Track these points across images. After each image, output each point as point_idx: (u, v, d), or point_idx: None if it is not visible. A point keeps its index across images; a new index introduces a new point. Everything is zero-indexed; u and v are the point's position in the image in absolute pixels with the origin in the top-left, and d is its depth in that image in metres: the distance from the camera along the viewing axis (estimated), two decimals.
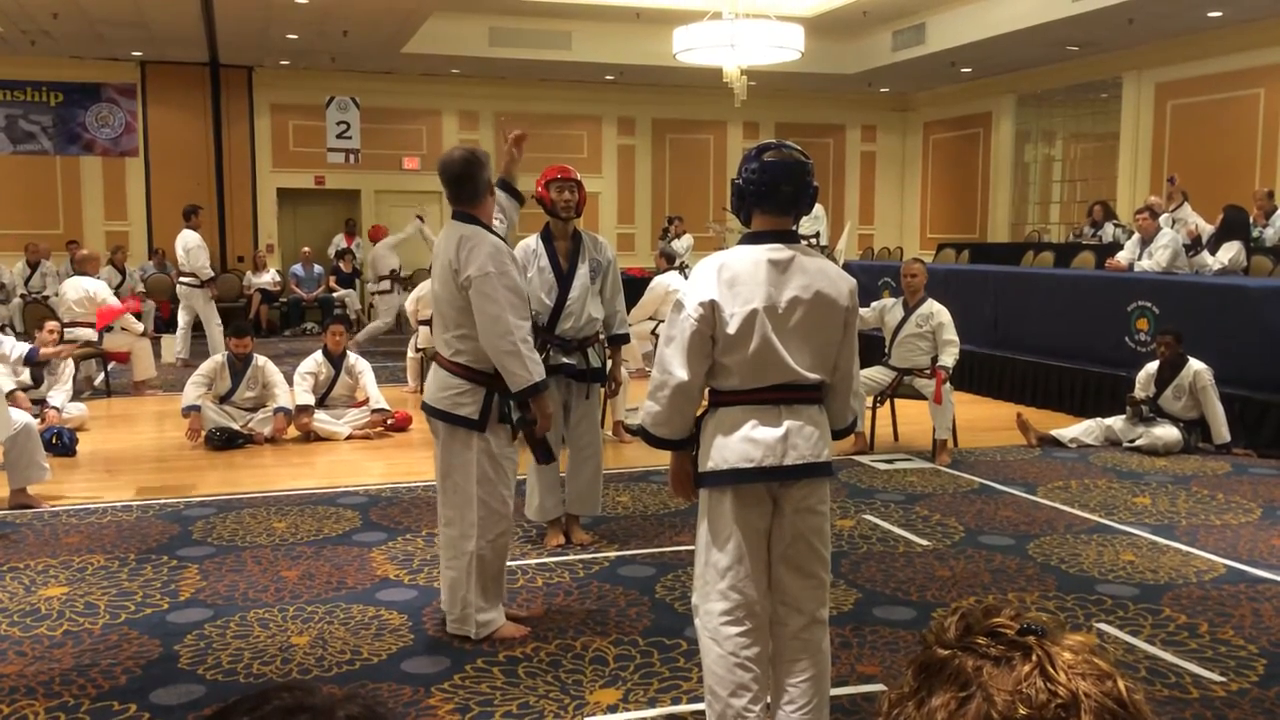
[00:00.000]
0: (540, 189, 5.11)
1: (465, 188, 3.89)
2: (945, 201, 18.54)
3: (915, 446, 7.49)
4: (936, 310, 7.30)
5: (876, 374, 7.42)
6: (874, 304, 7.60)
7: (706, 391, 3.07)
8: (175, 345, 11.76)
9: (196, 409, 7.55)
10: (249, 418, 7.71)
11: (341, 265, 15.42)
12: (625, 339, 5.40)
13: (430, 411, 3.96)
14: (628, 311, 5.60)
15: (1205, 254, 9.65)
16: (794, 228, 3.07)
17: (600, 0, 13.71)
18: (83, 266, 10.15)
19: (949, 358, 7.15)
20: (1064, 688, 0.79)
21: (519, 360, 3.77)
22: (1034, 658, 0.81)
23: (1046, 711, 0.79)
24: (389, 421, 8.07)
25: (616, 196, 18.08)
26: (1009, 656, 0.82)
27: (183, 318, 11.68)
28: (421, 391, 10.46)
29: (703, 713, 3.17)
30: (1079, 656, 0.82)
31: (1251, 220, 10.33)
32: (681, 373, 2.94)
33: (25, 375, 7.64)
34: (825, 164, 18.47)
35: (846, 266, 9.48)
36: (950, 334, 7.22)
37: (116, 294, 10.79)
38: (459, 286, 3.78)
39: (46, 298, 12.01)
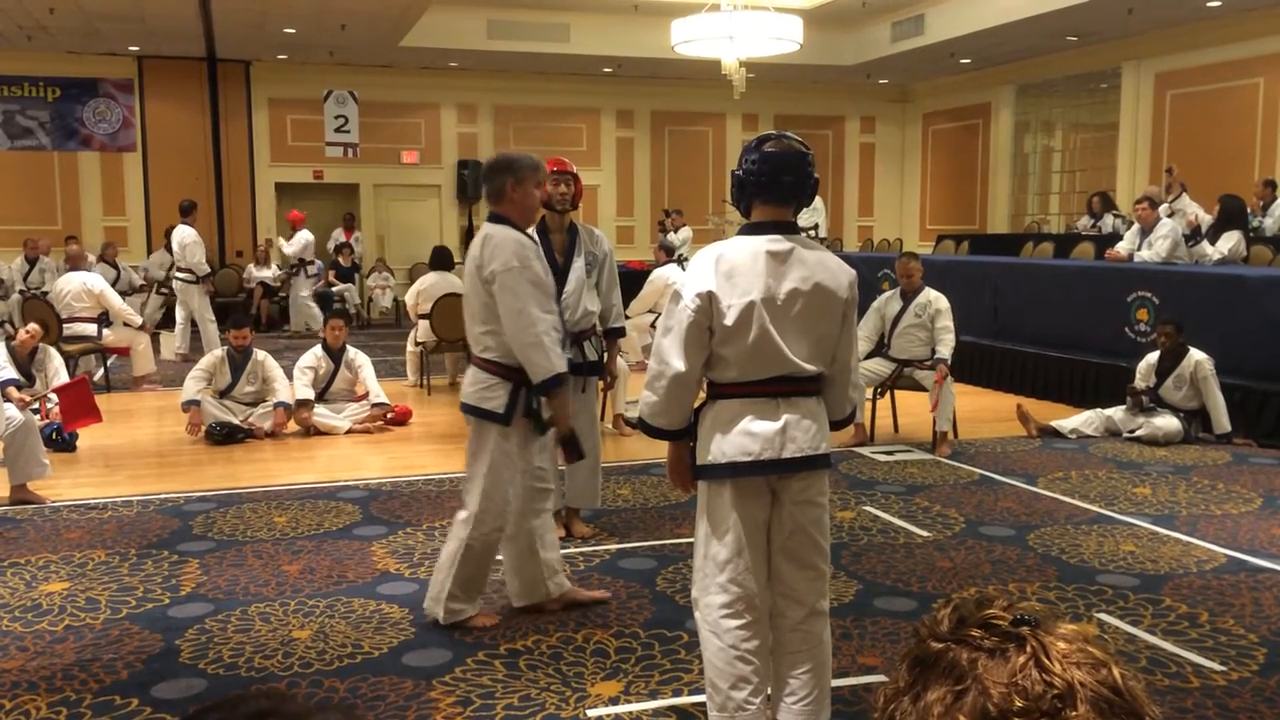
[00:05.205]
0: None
1: (485, 188, 4.09)
2: (945, 192, 18.52)
3: (915, 438, 7.50)
4: (934, 298, 7.29)
5: (876, 365, 7.41)
6: (871, 306, 7.45)
7: (705, 383, 3.07)
8: (174, 340, 11.78)
9: (196, 404, 7.55)
10: (249, 412, 7.71)
11: (340, 259, 15.42)
12: (621, 332, 5.40)
13: (464, 409, 4.07)
14: (626, 305, 5.60)
15: (1205, 244, 9.64)
16: (794, 219, 3.07)
17: None
18: (75, 263, 10.17)
19: (945, 347, 7.14)
20: (1059, 678, 0.79)
21: (541, 351, 3.83)
22: (1028, 648, 0.81)
23: (1042, 703, 0.79)
24: (389, 416, 8.07)
25: (615, 189, 18.06)
26: (1003, 648, 0.82)
27: (180, 313, 11.70)
28: (421, 386, 10.45)
29: (704, 705, 3.18)
30: (1073, 646, 0.82)
31: (1249, 210, 10.32)
32: (679, 363, 2.94)
33: (15, 371, 7.59)
34: (824, 155, 18.45)
35: (846, 259, 9.45)
36: (946, 321, 7.20)
37: (114, 287, 10.79)
38: (483, 282, 3.88)
39: (45, 293, 11.99)
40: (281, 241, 14.79)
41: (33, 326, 7.80)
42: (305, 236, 14.39)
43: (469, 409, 4.00)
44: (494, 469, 3.96)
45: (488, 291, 3.87)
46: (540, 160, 4.18)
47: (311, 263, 14.54)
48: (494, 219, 4.01)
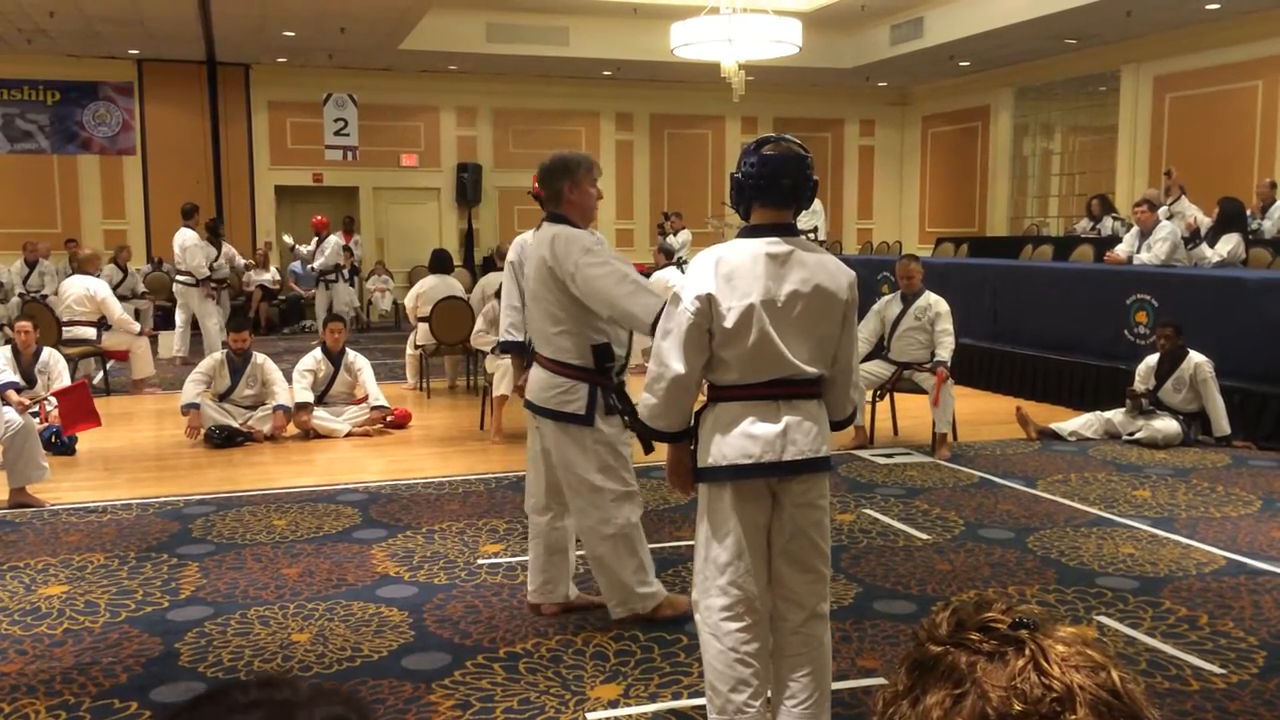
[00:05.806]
0: (536, 185, 5.12)
1: (544, 191, 4.11)
2: (944, 195, 18.53)
3: (915, 441, 7.50)
4: (934, 301, 7.30)
5: (875, 368, 7.41)
6: (871, 309, 7.47)
7: (705, 386, 3.07)
8: (174, 343, 11.77)
9: (196, 407, 7.55)
10: (248, 415, 7.70)
11: (340, 262, 15.40)
12: None
13: (536, 410, 4.05)
14: None
15: (1204, 246, 9.64)
16: (793, 221, 3.07)
17: None
18: (84, 266, 10.12)
19: (945, 350, 7.14)
20: (1058, 681, 0.79)
21: (645, 292, 3.77)
22: (1027, 652, 0.81)
23: (1041, 706, 0.79)
24: (388, 418, 8.07)
25: (615, 192, 18.05)
26: (1002, 651, 0.82)
27: (180, 316, 11.69)
28: (420, 389, 10.41)
29: (703, 708, 3.18)
30: (1072, 649, 0.82)
31: (1249, 212, 10.32)
32: (678, 365, 2.94)
33: (16, 374, 7.58)
34: (824, 158, 18.46)
35: (845, 261, 9.43)
36: (946, 324, 7.21)
37: (116, 292, 10.78)
38: (556, 279, 3.86)
39: (45, 296, 11.99)
40: (302, 250, 14.49)
41: (22, 323, 7.77)
42: (334, 241, 14.16)
43: (549, 413, 3.97)
44: (605, 465, 3.94)
45: (562, 288, 3.85)
46: (593, 158, 4.17)
47: (344, 266, 14.36)
48: (555, 218, 4.01)
